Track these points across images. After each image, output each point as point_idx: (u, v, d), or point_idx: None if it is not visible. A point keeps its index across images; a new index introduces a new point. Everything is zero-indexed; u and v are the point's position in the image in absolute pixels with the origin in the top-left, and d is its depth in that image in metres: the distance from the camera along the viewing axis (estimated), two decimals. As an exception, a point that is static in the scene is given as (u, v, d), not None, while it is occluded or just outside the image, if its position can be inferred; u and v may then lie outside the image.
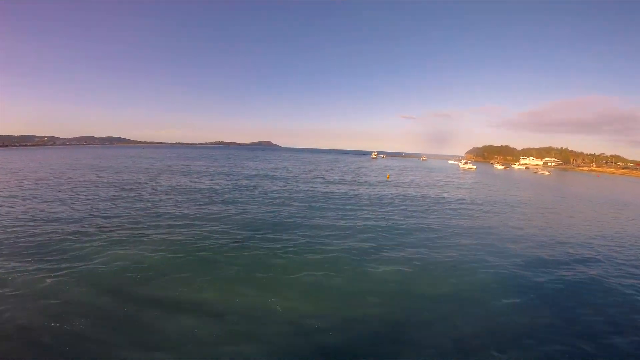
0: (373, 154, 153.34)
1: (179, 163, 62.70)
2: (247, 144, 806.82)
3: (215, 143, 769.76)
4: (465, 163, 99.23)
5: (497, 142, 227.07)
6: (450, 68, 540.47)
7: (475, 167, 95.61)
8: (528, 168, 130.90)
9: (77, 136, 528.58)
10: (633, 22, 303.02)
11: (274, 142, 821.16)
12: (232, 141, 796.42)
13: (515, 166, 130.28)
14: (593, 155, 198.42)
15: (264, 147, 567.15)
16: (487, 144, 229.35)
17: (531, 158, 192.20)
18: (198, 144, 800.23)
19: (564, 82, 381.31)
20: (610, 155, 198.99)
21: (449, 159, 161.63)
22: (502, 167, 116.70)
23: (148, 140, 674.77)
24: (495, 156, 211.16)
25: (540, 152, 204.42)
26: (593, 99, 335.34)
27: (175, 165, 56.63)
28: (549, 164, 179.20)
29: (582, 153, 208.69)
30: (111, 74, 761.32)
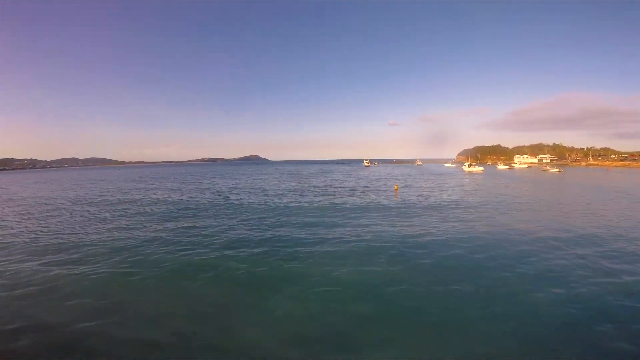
0: (365, 161, 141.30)
1: (129, 186, 47.94)
2: (235, 159, 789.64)
3: (203, 159, 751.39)
4: (470, 165, 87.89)
5: (486, 143, 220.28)
6: (434, 72, 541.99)
7: (482, 169, 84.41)
8: (530, 166, 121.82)
9: (60, 158, 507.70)
10: (610, 20, 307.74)
11: (261, 156, 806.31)
12: (220, 157, 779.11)
13: (517, 165, 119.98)
14: (587, 149, 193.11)
15: (252, 161, 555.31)
16: (476, 145, 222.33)
17: (525, 156, 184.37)
18: (186, 161, 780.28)
19: (545, 80, 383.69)
20: (601, 148, 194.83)
21: (445, 162, 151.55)
22: (507, 167, 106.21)
23: (134, 160, 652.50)
24: (488, 156, 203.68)
25: (533, 150, 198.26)
26: (573, 95, 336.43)
27: (118, 190, 42.02)
28: (544, 160, 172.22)
29: (573, 148, 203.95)
30: (96, 92, 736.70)
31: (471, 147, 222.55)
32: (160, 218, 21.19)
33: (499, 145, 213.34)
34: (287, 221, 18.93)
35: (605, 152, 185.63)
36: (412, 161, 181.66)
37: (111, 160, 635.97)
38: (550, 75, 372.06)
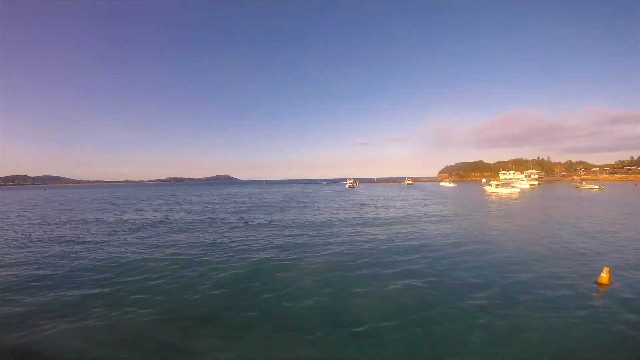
0: (348, 181, 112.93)
1: None
2: (203, 179, 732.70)
3: (168, 179, 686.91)
4: (497, 186, 63.05)
5: (452, 161, 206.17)
6: (402, 92, 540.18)
7: (518, 190, 59.62)
8: (540, 183, 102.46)
9: (6, 175, 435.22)
10: (559, 39, 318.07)
11: (232, 176, 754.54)
12: (187, 176, 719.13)
13: (528, 184, 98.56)
14: (567, 162, 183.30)
15: (221, 181, 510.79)
16: (458, 161, 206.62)
17: (511, 172, 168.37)
18: (149, 180, 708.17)
19: (498, 97, 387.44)
20: (576, 162, 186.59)
21: (440, 181, 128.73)
22: (527, 185, 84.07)
23: (91, 179, 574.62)
24: (472, 173, 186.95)
25: (516, 165, 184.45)
26: (523, 112, 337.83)
27: None
28: (532, 176, 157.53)
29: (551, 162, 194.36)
30: (49, 106, 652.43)
31: (452, 163, 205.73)
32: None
33: (481, 161, 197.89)
34: None
35: (586, 166, 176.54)
36: (399, 180, 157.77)
37: (66, 179, 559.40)
38: (501, 93, 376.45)
